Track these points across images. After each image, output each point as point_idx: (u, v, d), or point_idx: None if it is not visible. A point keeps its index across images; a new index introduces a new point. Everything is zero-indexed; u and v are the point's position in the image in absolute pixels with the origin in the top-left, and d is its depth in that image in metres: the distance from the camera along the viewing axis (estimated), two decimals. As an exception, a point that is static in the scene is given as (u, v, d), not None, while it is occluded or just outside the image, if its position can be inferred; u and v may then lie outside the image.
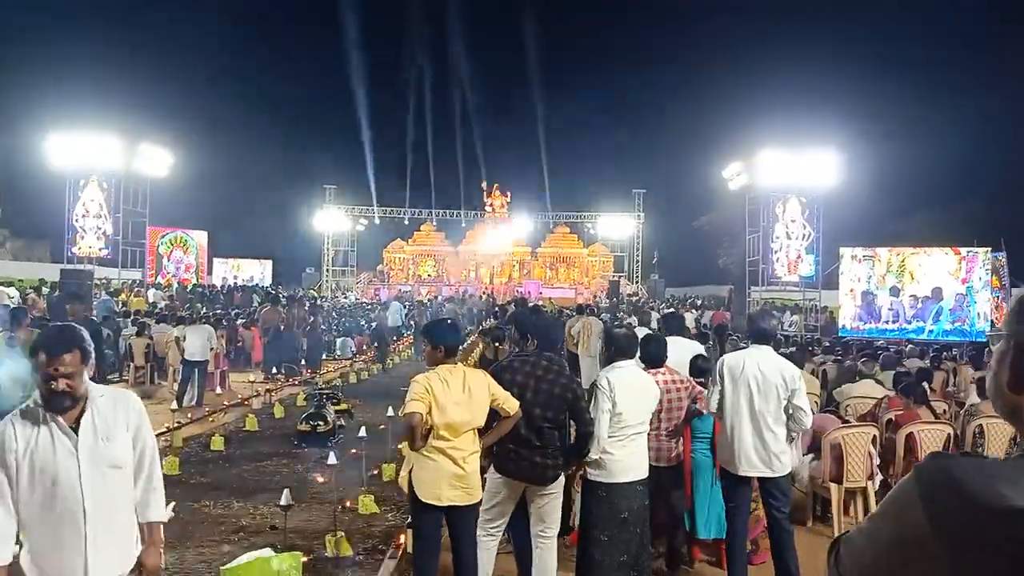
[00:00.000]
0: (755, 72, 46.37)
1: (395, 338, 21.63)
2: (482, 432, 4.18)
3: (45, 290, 20.78)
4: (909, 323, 17.38)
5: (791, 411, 4.67)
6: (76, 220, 28.12)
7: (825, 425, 6.41)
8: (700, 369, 6.11)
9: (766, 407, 4.64)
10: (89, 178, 27.79)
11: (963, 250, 17.40)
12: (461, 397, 3.99)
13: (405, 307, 26.58)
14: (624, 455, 4.40)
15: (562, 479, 4.49)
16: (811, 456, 6.51)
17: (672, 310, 17.48)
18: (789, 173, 22.62)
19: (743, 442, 4.65)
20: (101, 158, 26.63)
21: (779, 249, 23.31)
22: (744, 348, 5.55)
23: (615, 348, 4.56)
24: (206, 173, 40.06)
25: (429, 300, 32.82)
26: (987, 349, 15.86)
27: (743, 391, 4.68)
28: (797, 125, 26.99)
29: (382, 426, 8.19)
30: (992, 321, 17.47)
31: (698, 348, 6.91)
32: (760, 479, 4.70)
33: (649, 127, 47.41)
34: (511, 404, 4.14)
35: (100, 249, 27.97)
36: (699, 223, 39.35)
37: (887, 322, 17.54)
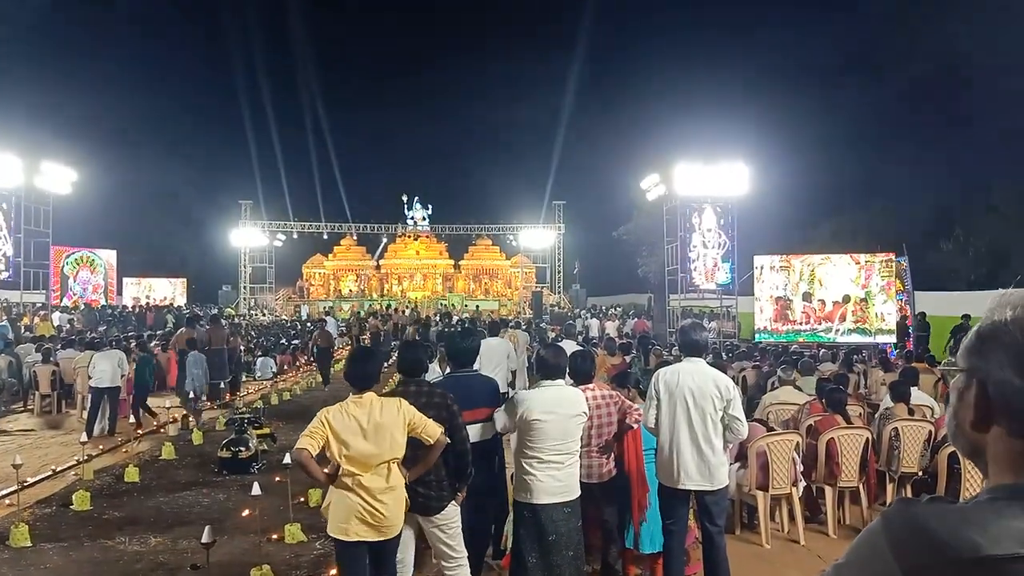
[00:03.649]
0: (670, 88, 47.81)
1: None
2: (411, 462, 4.06)
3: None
4: (820, 324, 18.92)
5: (727, 421, 4.71)
6: (-28, 241, 26.57)
7: (753, 433, 6.53)
8: (624, 380, 6.15)
9: (703, 419, 4.66)
10: (-14, 197, 26.31)
11: (862, 259, 19.07)
12: (365, 429, 3.86)
13: (339, 322, 26.44)
14: (547, 476, 4.31)
15: (454, 511, 4.33)
16: (738, 464, 6.63)
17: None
18: (704, 184, 23.29)
19: (682, 456, 4.66)
20: (-1, 176, 25.29)
21: (696, 258, 23.92)
22: (673, 361, 5.60)
23: (544, 370, 4.52)
24: (113, 190, 38.61)
25: (353, 315, 32.35)
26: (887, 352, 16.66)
27: (680, 405, 4.69)
28: (710, 138, 27.92)
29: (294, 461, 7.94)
30: (903, 324, 18.98)
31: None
32: (698, 493, 4.71)
33: (568, 140, 48.11)
34: (431, 431, 4.00)
35: (0, 271, 26.48)
36: (619, 233, 39.91)
37: (800, 324, 19.03)
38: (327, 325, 23.66)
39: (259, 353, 20.23)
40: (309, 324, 26.67)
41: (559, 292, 43.04)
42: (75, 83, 43.85)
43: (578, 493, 4.46)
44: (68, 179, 27.56)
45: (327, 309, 35.71)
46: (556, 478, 4.32)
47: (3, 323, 19.18)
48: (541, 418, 4.30)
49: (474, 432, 4.61)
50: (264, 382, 17.61)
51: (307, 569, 5.65)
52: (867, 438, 6.79)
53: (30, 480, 8.02)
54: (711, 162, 23.23)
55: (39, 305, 27.14)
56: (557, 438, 4.32)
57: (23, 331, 20.77)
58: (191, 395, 12.92)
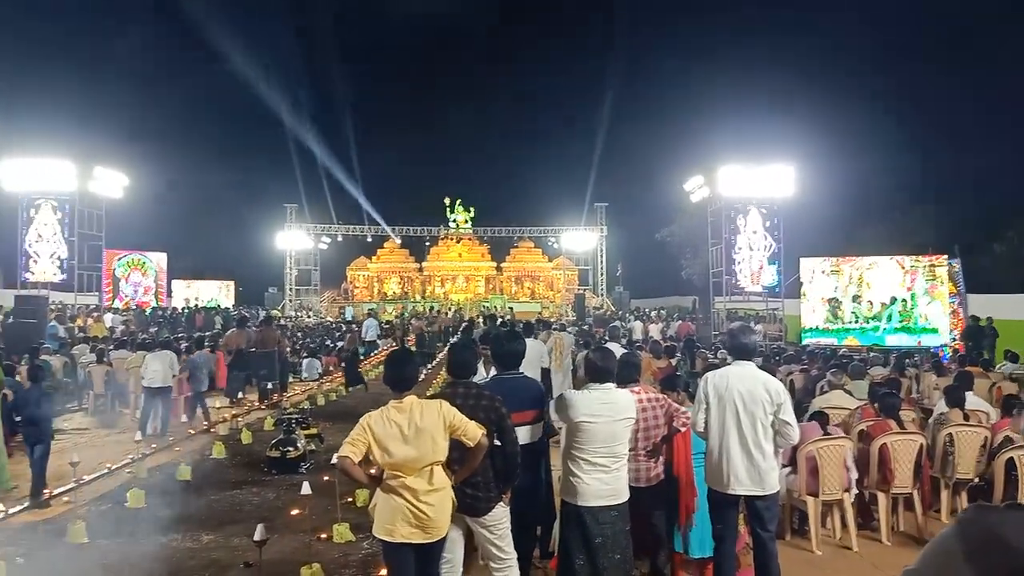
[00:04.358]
0: (714, 89, 47.28)
1: (366, 354, 21.92)
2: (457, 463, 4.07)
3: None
4: (868, 323, 19.85)
5: (777, 426, 4.64)
6: (29, 245, 27.42)
7: (807, 434, 6.42)
8: (673, 383, 6.09)
9: (753, 424, 4.59)
10: (42, 202, 27.16)
11: (906, 263, 19.97)
12: (406, 434, 3.87)
13: (378, 324, 26.84)
14: (593, 479, 4.29)
15: (502, 512, 4.32)
16: (788, 469, 6.53)
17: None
18: (749, 185, 23.04)
19: (732, 461, 4.60)
20: (54, 182, 26.12)
21: (742, 260, 23.65)
22: (721, 364, 5.53)
23: (593, 373, 4.49)
24: (164, 194, 39.47)
25: (398, 317, 32.64)
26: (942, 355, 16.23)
27: (729, 409, 4.63)
28: (755, 139, 27.62)
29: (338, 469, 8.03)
30: (950, 328, 18.75)
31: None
32: (748, 498, 4.65)
33: (610, 142, 47.95)
34: (472, 433, 3.97)
35: (54, 274, 27.29)
36: (662, 235, 39.69)
37: (850, 323, 20.01)
38: (362, 327, 24.15)
39: (305, 355, 20.48)
40: (354, 326, 27.03)
41: (602, 294, 42.86)
42: (126, 90, 45.06)
43: (626, 497, 4.42)
44: (120, 184, 28.31)
45: (370, 311, 36.07)
46: (604, 481, 4.30)
47: (51, 323, 19.71)
48: (589, 420, 4.28)
49: (520, 434, 4.61)
50: (311, 383, 17.83)
51: (356, 569, 5.70)
52: (921, 444, 6.63)
53: (87, 478, 8.25)
54: (756, 163, 22.99)
55: (92, 307, 27.89)
56: (605, 441, 4.30)
57: (77, 332, 21.34)
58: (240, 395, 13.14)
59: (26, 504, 7.25)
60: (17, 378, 10.68)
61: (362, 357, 22.07)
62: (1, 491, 7.88)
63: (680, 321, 25.00)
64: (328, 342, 24.56)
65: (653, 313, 29.81)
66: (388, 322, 31.99)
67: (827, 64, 47.05)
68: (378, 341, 25.51)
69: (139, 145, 35.23)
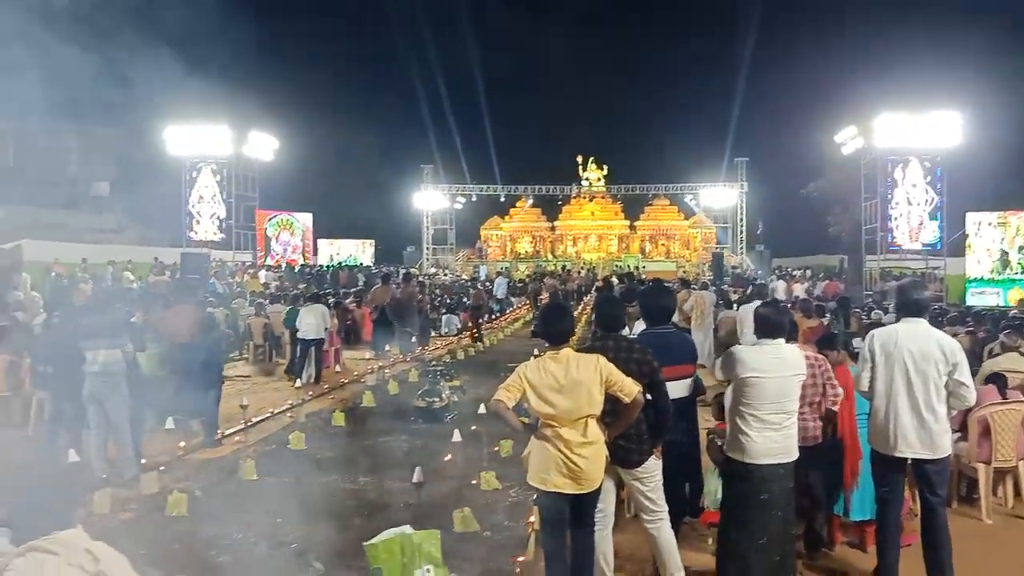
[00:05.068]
0: (868, 30, 44.04)
1: (500, 311, 22.35)
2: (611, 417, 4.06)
3: (159, 275, 21.74)
4: None
5: (952, 387, 4.34)
6: (192, 206, 29.49)
7: (983, 397, 6.00)
8: (831, 342, 5.80)
9: (925, 384, 4.32)
10: (202, 165, 29.08)
11: None
12: (562, 384, 3.89)
13: (508, 283, 27.25)
14: (762, 436, 4.18)
15: (655, 464, 4.29)
16: (957, 435, 6.13)
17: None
18: (909, 135, 21.50)
19: (900, 422, 4.35)
20: (213, 146, 27.85)
21: (899, 216, 22.20)
22: (878, 324, 5.22)
23: (764, 328, 4.33)
24: (309, 157, 41.13)
25: (531, 276, 32.93)
26: None
27: (898, 368, 4.37)
28: (917, 84, 25.40)
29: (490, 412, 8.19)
30: None
31: None
32: (916, 461, 4.39)
33: (752, 93, 45.62)
34: (628, 389, 3.95)
35: (215, 233, 29.25)
36: (807, 190, 37.69)
37: (1017, 273, 19.43)
38: (493, 287, 24.69)
39: (444, 311, 21.11)
40: (479, 284, 27.71)
41: (741, 253, 41.45)
42: (277, 57, 47.03)
43: (795, 455, 4.30)
44: (271, 147, 29.89)
45: (502, 270, 36.55)
46: (772, 439, 4.18)
47: (211, 281, 21.18)
48: (760, 376, 4.16)
49: (672, 389, 4.53)
50: (450, 338, 18.37)
51: (504, 515, 5.84)
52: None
53: (254, 420, 8.87)
54: (918, 111, 21.35)
55: (248, 264, 29.77)
56: (775, 398, 4.18)
57: (235, 287, 22.86)
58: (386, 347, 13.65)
59: (201, 443, 7.86)
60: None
61: (496, 315, 22.62)
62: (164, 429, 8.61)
63: (827, 280, 23.82)
64: (465, 300, 25.16)
65: (797, 272, 28.55)
66: (521, 281, 32.33)
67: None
68: (511, 299, 25.93)
69: (287, 110, 36.86)
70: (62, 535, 1.92)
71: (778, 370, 4.20)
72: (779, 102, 45.96)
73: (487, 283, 29.11)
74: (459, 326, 19.84)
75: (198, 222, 29.29)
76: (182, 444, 7.61)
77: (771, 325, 4.32)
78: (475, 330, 18.04)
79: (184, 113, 27.56)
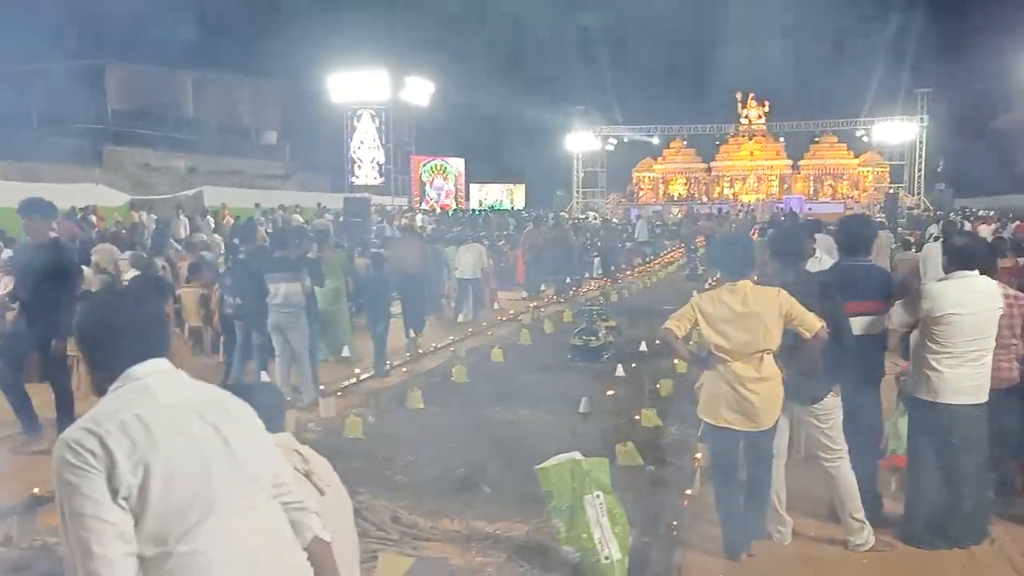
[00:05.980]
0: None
1: (657, 253, 22.46)
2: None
3: (329, 217, 22.93)
4: None
5: None
6: (353, 152, 30.75)
7: None
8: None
9: None
10: (362, 112, 30.15)
11: None
12: (738, 315, 3.78)
13: (650, 226, 27.08)
14: (955, 374, 3.94)
15: (832, 402, 4.06)
16: None
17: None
18: None
19: None
20: (372, 91, 28.77)
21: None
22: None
23: (959, 259, 4.03)
24: (462, 102, 41.66)
25: (681, 218, 32.16)
26: None
27: None
28: None
29: (658, 341, 8.08)
30: None
31: None
32: None
33: (933, 14, 41.44)
34: (810, 323, 3.77)
35: (375, 178, 30.43)
36: (998, 124, 34.18)
37: None
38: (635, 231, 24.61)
39: (595, 254, 21.00)
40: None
41: (918, 194, 38.39)
42: (431, 2, 47.59)
43: (986, 398, 4.03)
44: (427, 92, 30.50)
45: (638, 215, 35.92)
46: (965, 376, 3.94)
47: (382, 223, 22.22)
48: (956, 312, 3.89)
49: (858, 325, 4.28)
50: (604, 279, 18.29)
51: (665, 451, 5.77)
52: None
53: (420, 351, 9.26)
54: None
55: (405, 207, 30.85)
56: (971, 334, 3.92)
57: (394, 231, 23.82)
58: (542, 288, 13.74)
59: (371, 373, 8.27)
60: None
61: (649, 259, 22.38)
62: (338, 359, 9.11)
63: (1018, 222, 21.63)
64: (617, 243, 24.91)
65: (981, 213, 26.16)
66: (675, 223, 31.61)
67: None
68: (664, 242, 25.59)
69: (442, 54, 37.39)
70: (275, 437, 2.04)
71: (975, 304, 3.93)
72: (968, 23, 41.46)
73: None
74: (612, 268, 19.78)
75: (359, 167, 30.54)
76: (356, 369, 8.10)
77: (967, 255, 4.05)
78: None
79: (345, 60, 28.58)
